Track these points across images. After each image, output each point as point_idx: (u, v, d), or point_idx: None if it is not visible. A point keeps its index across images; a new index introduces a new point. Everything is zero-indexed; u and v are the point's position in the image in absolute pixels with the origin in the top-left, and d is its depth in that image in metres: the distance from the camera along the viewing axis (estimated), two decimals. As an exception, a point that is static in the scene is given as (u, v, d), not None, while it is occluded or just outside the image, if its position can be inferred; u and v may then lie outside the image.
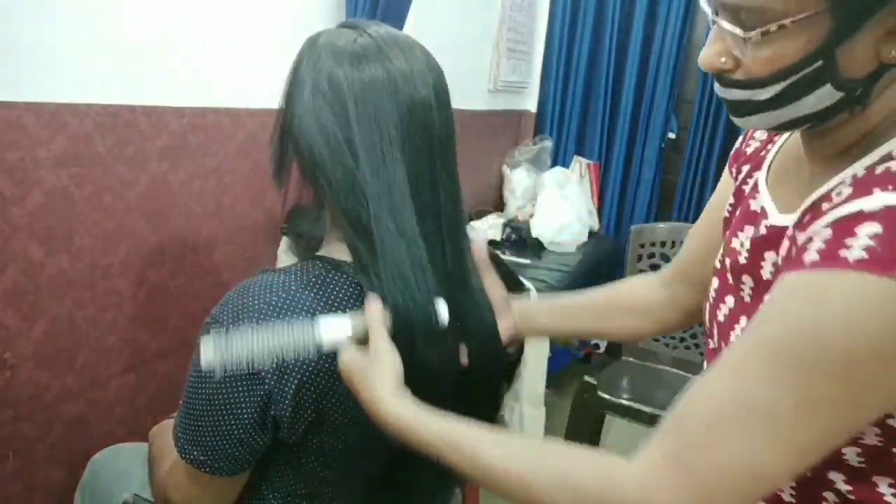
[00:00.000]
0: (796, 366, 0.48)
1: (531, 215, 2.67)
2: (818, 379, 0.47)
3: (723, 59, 0.57)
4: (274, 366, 0.66)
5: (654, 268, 2.20)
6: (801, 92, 0.54)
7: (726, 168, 0.82)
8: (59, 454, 1.22)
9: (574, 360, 2.75)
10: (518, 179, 2.82)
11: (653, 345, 2.19)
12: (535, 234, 2.56)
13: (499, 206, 2.96)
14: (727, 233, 0.74)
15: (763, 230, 0.65)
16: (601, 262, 2.59)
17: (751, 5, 0.52)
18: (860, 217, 0.47)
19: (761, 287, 0.64)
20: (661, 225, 2.34)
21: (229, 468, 0.70)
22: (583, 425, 1.88)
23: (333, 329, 0.64)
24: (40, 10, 1.04)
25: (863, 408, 0.49)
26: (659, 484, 0.50)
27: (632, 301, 0.94)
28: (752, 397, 0.49)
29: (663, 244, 2.21)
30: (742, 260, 0.67)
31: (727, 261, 0.71)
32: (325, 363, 0.67)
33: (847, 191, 0.51)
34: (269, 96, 1.48)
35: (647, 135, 2.81)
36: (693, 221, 2.77)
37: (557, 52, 2.91)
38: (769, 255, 0.63)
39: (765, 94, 0.56)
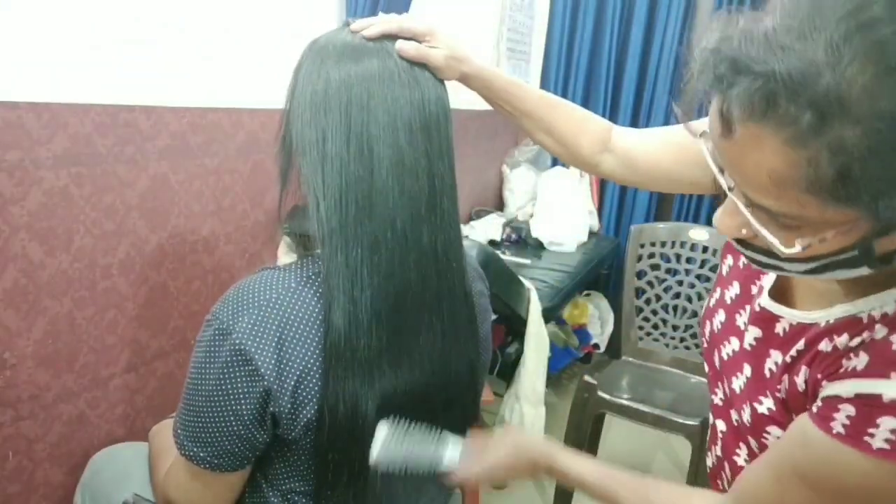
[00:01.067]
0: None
1: (531, 215, 2.67)
2: None
3: (743, 231, 0.55)
4: (273, 362, 0.66)
5: (655, 268, 2.20)
6: (834, 268, 0.53)
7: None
8: (59, 454, 1.22)
9: (574, 360, 2.76)
10: (518, 179, 2.82)
11: (652, 345, 2.19)
12: (535, 234, 2.57)
13: (499, 206, 2.96)
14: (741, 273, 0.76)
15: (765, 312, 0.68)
16: (601, 262, 2.59)
17: (788, 212, 0.49)
18: (881, 407, 0.52)
19: (767, 342, 0.67)
20: (661, 225, 2.34)
21: (229, 464, 0.70)
22: (583, 425, 1.88)
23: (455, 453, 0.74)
24: (40, 10, 1.04)
25: None
26: None
27: (598, 135, 0.92)
28: None
29: (663, 244, 2.21)
30: (757, 308, 0.69)
31: (737, 300, 0.74)
32: (323, 361, 0.68)
33: (881, 334, 0.54)
34: (269, 96, 1.49)
35: (647, 135, 2.81)
36: (693, 221, 2.78)
37: (557, 52, 2.92)
38: (774, 354, 0.66)
39: (795, 267, 0.55)
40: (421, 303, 0.72)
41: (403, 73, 0.69)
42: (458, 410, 0.81)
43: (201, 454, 0.69)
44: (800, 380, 0.61)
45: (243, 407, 0.67)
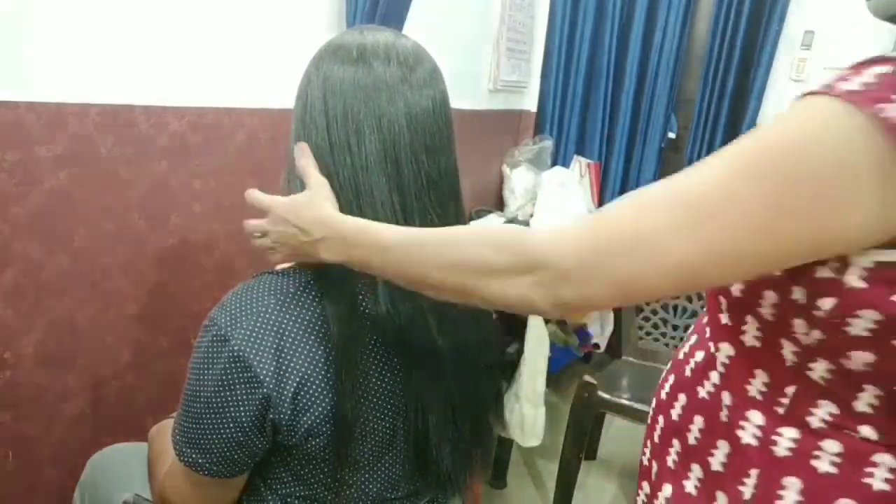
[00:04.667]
0: (737, 165, 0.49)
1: (531, 215, 2.67)
2: (750, 180, 0.48)
3: None
4: (272, 369, 0.66)
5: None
6: None
7: None
8: (59, 454, 1.22)
9: (574, 359, 2.75)
10: (518, 179, 2.82)
11: (653, 344, 2.19)
12: (535, 233, 2.56)
13: (499, 205, 2.96)
14: None
15: None
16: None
17: None
18: (881, 60, 0.48)
19: None
20: (661, 225, 2.34)
21: (227, 471, 0.70)
22: (583, 425, 1.88)
23: None
24: (40, 10, 1.04)
25: (781, 235, 0.48)
26: (563, 236, 0.53)
27: None
28: (683, 184, 0.51)
29: (663, 244, 2.21)
30: None
31: None
32: (323, 368, 0.67)
33: None
34: (270, 96, 1.49)
35: (647, 134, 2.81)
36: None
37: (557, 52, 2.91)
38: None
39: None
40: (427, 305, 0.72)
41: (402, 77, 0.69)
42: (473, 410, 0.81)
43: (200, 460, 0.69)
44: None
45: (242, 414, 0.67)
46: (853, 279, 0.49)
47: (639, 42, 2.75)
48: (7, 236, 1.05)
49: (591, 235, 0.52)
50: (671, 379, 0.72)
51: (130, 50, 1.20)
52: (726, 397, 0.62)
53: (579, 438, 1.88)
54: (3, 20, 1.00)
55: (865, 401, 0.53)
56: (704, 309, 0.78)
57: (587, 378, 1.84)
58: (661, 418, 0.72)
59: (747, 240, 0.48)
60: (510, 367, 1.85)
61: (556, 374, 2.58)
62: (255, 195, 0.72)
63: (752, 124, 2.57)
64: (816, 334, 0.53)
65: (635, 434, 2.33)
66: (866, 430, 0.54)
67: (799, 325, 0.54)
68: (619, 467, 2.29)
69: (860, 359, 0.51)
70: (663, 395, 0.73)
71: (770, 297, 0.56)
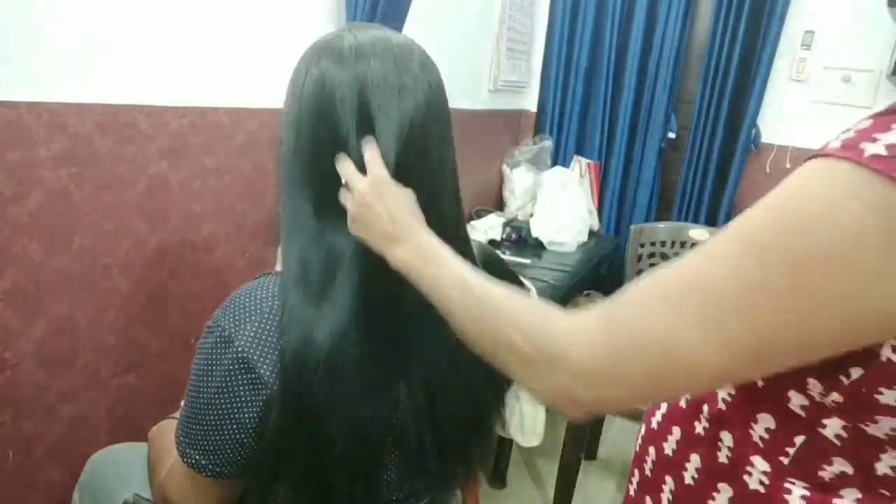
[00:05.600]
0: (756, 249, 0.43)
1: (531, 215, 2.67)
2: (771, 266, 0.42)
3: None
4: (276, 371, 0.66)
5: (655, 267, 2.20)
6: None
7: None
8: (59, 454, 1.22)
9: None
10: (518, 179, 2.82)
11: (653, 344, 2.19)
12: (535, 233, 2.56)
13: (499, 205, 2.96)
14: None
15: None
16: (601, 261, 2.59)
17: None
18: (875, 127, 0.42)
19: None
20: (661, 224, 2.34)
21: (231, 472, 0.70)
22: (583, 425, 1.88)
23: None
24: (40, 10, 1.04)
25: (815, 325, 0.42)
26: (581, 331, 0.50)
27: None
28: (697, 272, 0.46)
29: (663, 244, 2.21)
30: None
31: None
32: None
33: None
34: (270, 96, 1.49)
35: (647, 134, 2.81)
36: (693, 221, 2.79)
37: (557, 52, 2.91)
38: None
39: None
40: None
41: (394, 78, 0.68)
42: (471, 417, 0.81)
43: (203, 462, 0.69)
44: None
45: (246, 415, 0.67)
46: (888, 351, 0.44)
47: (639, 42, 2.74)
48: (7, 236, 1.05)
49: (606, 333, 0.49)
50: (663, 408, 0.69)
51: (130, 50, 1.20)
52: (726, 438, 0.58)
53: (579, 438, 1.88)
54: (4, 20, 1.00)
55: (888, 463, 0.49)
56: None
57: (587, 378, 1.84)
58: (651, 450, 0.68)
59: (776, 335, 0.43)
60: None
61: (556, 374, 2.58)
62: (348, 169, 0.68)
63: (752, 124, 2.57)
64: (835, 397, 0.49)
65: (635, 434, 2.33)
66: (886, 491, 0.50)
67: (814, 384, 0.50)
68: (619, 467, 2.29)
69: (888, 424, 0.47)
70: (654, 425, 0.69)
71: None
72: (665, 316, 0.46)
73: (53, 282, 1.13)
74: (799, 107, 2.56)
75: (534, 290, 1.94)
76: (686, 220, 2.74)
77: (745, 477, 0.56)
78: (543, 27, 2.97)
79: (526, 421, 1.86)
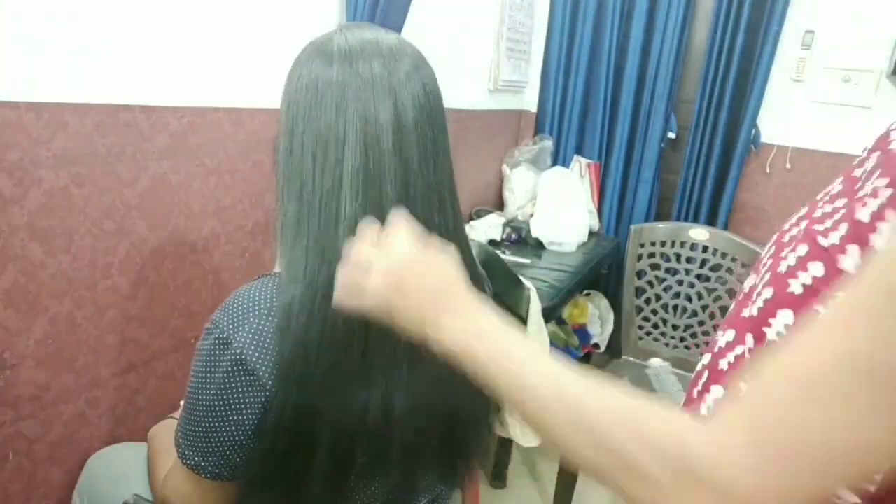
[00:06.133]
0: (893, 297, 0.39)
1: (531, 215, 2.67)
2: None
3: None
4: (275, 373, 0.66)
5: (655, 267, 2.20)
6: None
7: None
8: (59, 454, 1.22)
9: (574, 359, 2.76)
10: (518, 179, 2.82)
11: (653, 344, 2.20)
12: (535, 233, 2.56)
13: (499, 205, 2.96)
14: None
15: None
16: (601, 261, 2.59)
17: None
18: None
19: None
20: (661, 224, 2.34)
21: (231, 474, 0.70)
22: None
23: None
24: (40, 10, 1.04)
25: None
26: (724, 448, 0.42)
27: None
28: (838, 348, 0.40)
29: (663, 244, 2.21)
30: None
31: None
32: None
33: None
34: (270, 96, 1.49)
35: (647, 134, 2.81)
36: (693, 221, 2.79)
37: (557, 52, 2.91)
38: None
39: None
40: None
41: (384, 79, 0.68)
42: (468, 417, 0.80)
43: (202, 463, 0.69)
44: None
45: (245, 417, 0.67)
46: None
47: (639, 42, 2.75)
48: (7, 236, 1.05)
49: (756, 450, 0.41)
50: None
51: (130, 50, 1.20)
52: None
53: (579, 438, 1.88)
54: (3, 20, 1.00)
55: None
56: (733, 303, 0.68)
57: (587, 378, 1.84)
58: None
59: None
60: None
61: (556, 374, 2.58)
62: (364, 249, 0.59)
63: (752, 124, 2.57)
64: None
65: (635, 434, 2.32)
66: None
67: None
68: (619, 467, 2.29)
69: None
70: None
71: None
72: (834, 415, 0.40)
73: (53, 282, 1.13)
74: (799, 107, 2.56)
75: (534, 290, 1.94)
76: (686, 220, 2.74)
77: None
78: (543, 27, 2.97)
79: (526, 421, 1.86)
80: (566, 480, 1.89)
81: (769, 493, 0.41)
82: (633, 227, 2.32)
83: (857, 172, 0.57)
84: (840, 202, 0.55)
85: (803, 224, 0.59)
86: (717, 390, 0.62)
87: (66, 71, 1.10)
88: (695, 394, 0.66)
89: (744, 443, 0.42)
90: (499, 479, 2.08)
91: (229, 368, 0.66)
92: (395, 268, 0.57)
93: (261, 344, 0.66)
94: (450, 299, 0.55)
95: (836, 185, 0.60)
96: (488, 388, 0.53)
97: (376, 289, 0.57)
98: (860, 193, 0.53)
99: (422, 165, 0.70)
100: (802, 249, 0.55)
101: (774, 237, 0.65)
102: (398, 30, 1.72)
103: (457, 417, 0.78)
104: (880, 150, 0.55)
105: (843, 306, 0.42)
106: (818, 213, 0.57)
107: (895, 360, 0.38)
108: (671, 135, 2.80)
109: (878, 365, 0.39)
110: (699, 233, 2.14)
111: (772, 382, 0.43)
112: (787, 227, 0.63)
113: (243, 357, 0.66)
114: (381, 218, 0.66)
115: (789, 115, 2.58)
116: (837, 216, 0.53)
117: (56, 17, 1.07)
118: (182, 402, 0.72)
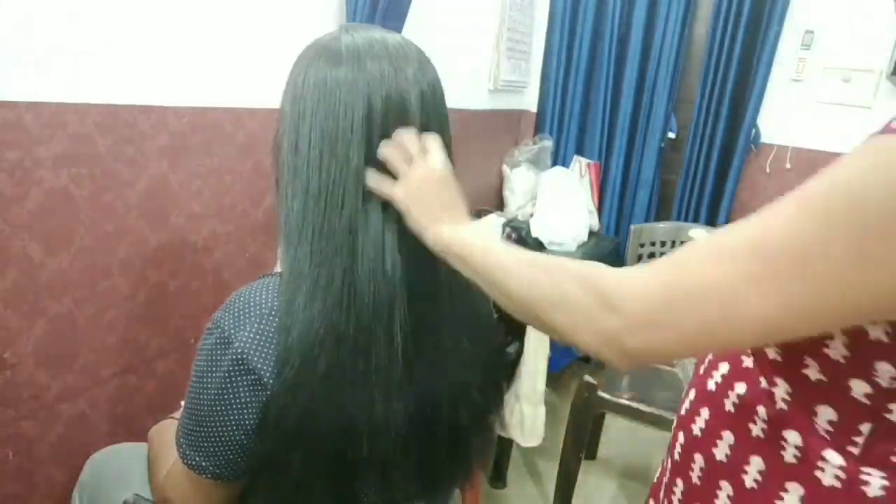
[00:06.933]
0: (817, 212, 0.46)
1: (531, 215, 2.67)
2: (832, 227, 0.45)
3: None
4: (276, 373, 0.66)
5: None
6: None
7: None
8: (59, 453, 1.22)
9: (574, 359, 2.76)
10: (518, 179, 2.82)
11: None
12: (535, 233, 2.56)
13: (499, 205, 2.96)
14: None
15: None
16: (601, 261, 2.58)
17: None
18: None
19: None
20: (661, 224, 2.34)
21: (232, 474, 0.70)
22: (583, 425, 1.88)
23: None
24: (40, 10, 1.04)
25: (870, 288, 0.44)
26: (636, 280, 0.52)
27: None
28: (757, 233, 0.48)
29: (663, 244, 2.21)
30: None
31: None
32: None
33: None
34: (270, 96, 1.49)
35: (647, 134, 2.81)
36: (693, 221, 2.79)
37: (557, 52, 2.92)
38: None
39: None
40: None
41: (391, 79, 0.68)
42: (467, 411, 0.80)
43: (203, 463, 0.69)
44: None
45: (245, 416, 0.67)
46: None
47: (639, 42, 2.75)
48: (7, 236, 1.05)
49: (662, 283, 0.51)
50: (704, 413, 0.67)
51: (130, 50, 1.20)
52: (791, 436, 0.57)
53: (579, 438, 1.88)
54: (3, 20, 1.00)
55: None
56: None
57: (587, 378, 1.85)
58: (698, 457, 0.66)
59: (830, 293, 0.45)
60: (510, 367, 1.85)
61: (556, 374, 2.58)
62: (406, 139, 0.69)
63: (752, 124, 2.57)
64: None
65: (635, 434, 2.33)
66: None
67: (884, 369, 0.50)
68: (619, 467, 2.29)
69: None
70: (697, 432, 0.67)
71: (841, 339, 0.52)
72: (724, 270, 0.48)
73: (53, 282, 1.13)
74: (799, 107, 2.56)
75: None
76: (686, 219, 2.74)
77: (818, 473, 0.56)
78: (543, 27, 2.97)
79: (526, 421, 1.86)
80: (566, 480, 1.90)
81: (669, 320, 0.49)
82: (633, 227, 2.33)
83: None
84: None
85: None
86: (723, 366, 0.66)
87: (66, 71, 1.10)
88: (701, 371, 0.70)
89: (654, 279, 0.51)
90: (499, 479, 2.08)
91: (230, 368, 0.66)
92: (427, 174, 0.69)
93: (262, 344, 0.66)
94: (445, 214, 0.70)
95: None
96: (471, 277, 0.66)
97: (408, 182, 0.69)
98: None
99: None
100: None
101: None
102: (398, 30, 1.72)
103: (458, 418, 0.78)
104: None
105: (775, 205, 0.49)
106: None
107: (795, 254, 0.45)
108: (671, 135, 2.80)
109: (781, 251, 0.46)
110: (699, 233, 2.14)
111: (692, 246, 0.52)
112: None
113: (244, 357, 0.66)
114: (386, 215, 0.69)
115: (789, 114, 2.58)
116: None
117: (56, 17, 1.07)
118: (183, 402, 0.72)
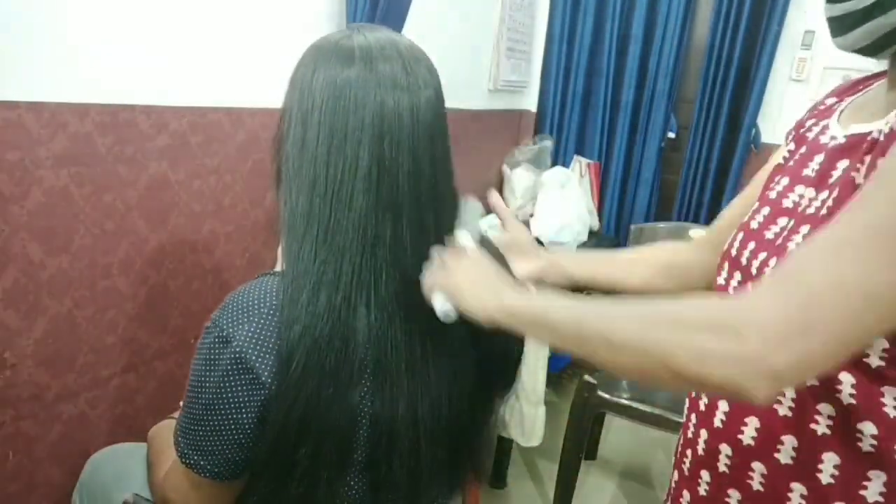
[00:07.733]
0: None
1: (531, 215, 2.67)
2: None
3: None
4: (274, 371, 0.66)
5: (654, 267, 2.20)
6: None
7: (783, 141, 0.81)
8: (59, 453, 1.22)
9: (573, 359, 2.75)
10: (518, 179, 2.82)
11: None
12: (535, 233, 2.56)
13: (499, 205, 2.96)
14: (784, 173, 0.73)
15: (841, 139, 0.66)
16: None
17: None
18: None
19: (827, 192, 0.63)
20: (661, 224, 2.34)
21: (230, 473, 0.70)
22: (583, 425, 1.88)
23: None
24: (40, 10, 1.04)
25: None
26: (756, 296, 0.49)
27: (658, 259, 0.99)
28: (873, 217, 0.48)
29: (663, 244, 2.21)
30: (811, 174, 0.68)
31: (776, 191, 0.72)
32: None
33: None
34: (269, 96, 1.49)
35: (647, 134, 2.81)
36: (693, 221, 2.79)
37: (557, 52, 2.92)
38: (841, 164, 0.64)
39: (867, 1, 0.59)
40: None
41: (403, 80, 0.68)
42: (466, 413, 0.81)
43: (202, 463, 0.69)
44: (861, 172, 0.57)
45: (244, 416, 0.67)
46: None
47: (639, 42, 2.75)
48: (7, 236, 1.05)
49: (784, 293, 0.47)
50: (753, 422, 0.66)
51: (130, 50, 1.20)
52: (867, 428, 0.58)
53: (579, 438, 1.88)
54: (4, 20, 1.00)
55: None
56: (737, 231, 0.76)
57: (587, 378, 1.85)
58: (758, 465, 0.66)
59: None
60: (510, 367, 1.85)
61: (556, 374, 2.58)
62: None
63: (752, 124, 2.57)
64: None
65: (635, 434, 2.33)
66: None
67: None
68: (619, 467, 2.29)
69: None
70: (749, 441, 0.66)
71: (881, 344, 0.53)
72: (851, 259, 0.47)
73: (53, 282, 1.13)
74: (799, 107, 2.55)
75: (534, 290, 1.94)
76: (686, 220, 2.74)
77: (863, 492, 0.58)
78: (543, 27, 2.97)
79: (526, 421, 1.86)
80: (566, 480, 1.90)
81: (813, 319, 0.46)
82: (633, 227, 2.33)
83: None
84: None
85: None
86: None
87: (66, 71, 1.10)
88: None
89: (776, 288, 0.48)
90: (499, 479, 2.08)
91: (229, 367, 0.66)
92: (471, 260, 0.69)
93: (261, 342, 0.66)
94: (504, 286, 0.67)
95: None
96: (551, 336, 0.61)
97: (453, 270, 0.68)
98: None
99: (431, 166, 0.71)
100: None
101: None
102: (398, 30, 1.72)
103: (459, 418, 0.78)
104: None
105: (866, 191, 0.49)
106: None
107: (886, 285, 0.45)
108: (671, 135, 2.80)
109: (871, 289, 0.46)
110: (699, 233, 2.14)
111: (802, 250, 0.50)
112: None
113: (243, 355, 0.66)
114: (393, 213, 0.68)
115: (789, 115, 2.58)
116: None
117: (56, 17, 1.07)
118: (182, 402, 0.72)
